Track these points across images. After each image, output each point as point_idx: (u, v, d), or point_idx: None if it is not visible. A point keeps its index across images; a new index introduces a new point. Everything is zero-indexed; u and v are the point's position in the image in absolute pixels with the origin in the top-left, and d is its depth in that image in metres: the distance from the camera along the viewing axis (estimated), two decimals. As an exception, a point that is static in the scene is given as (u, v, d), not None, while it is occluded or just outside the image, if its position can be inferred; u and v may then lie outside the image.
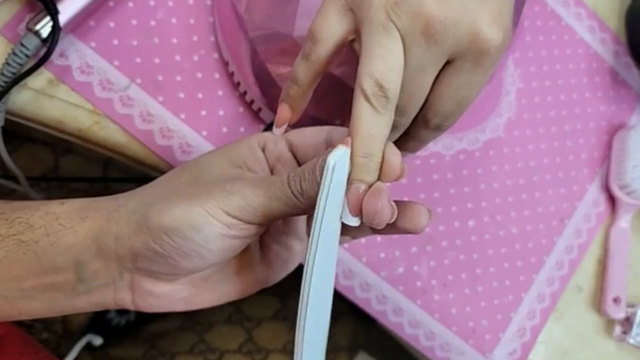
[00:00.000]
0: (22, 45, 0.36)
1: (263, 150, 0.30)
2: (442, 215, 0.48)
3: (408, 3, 0.25)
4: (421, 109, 0.28)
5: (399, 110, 0.26)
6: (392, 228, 0.26)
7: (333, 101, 0.36)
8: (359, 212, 0.24)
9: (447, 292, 0.48)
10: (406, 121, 0.28)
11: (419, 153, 0.47)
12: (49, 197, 0.47)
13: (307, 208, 0.26)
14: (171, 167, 0.42)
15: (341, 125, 0.36)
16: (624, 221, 0.54)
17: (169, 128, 0.41)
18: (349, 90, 0.26)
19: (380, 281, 0.46)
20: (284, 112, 0.30)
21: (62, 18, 0.36)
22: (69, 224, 0.27)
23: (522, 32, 0.51)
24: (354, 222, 0.25)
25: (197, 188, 0.26)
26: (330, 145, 0.28)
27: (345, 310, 0.58)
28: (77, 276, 0.27)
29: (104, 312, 0.57)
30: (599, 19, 0.55)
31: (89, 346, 0.49)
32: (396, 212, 0.25)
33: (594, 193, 0.53)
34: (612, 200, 0.54)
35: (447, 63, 0.27)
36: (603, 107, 0.54)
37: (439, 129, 0.29)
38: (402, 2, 0.25)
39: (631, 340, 0.52)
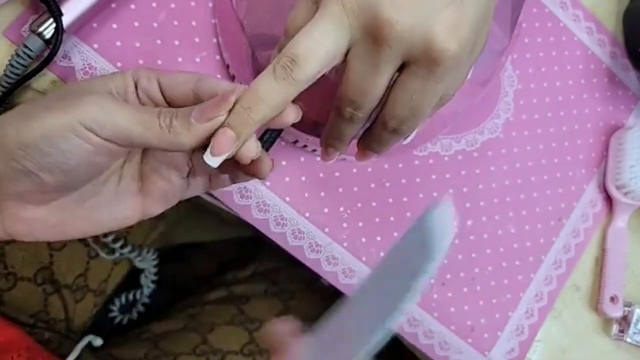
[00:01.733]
0: (26, 47, 0.36)
1: (136, 86, 0.30)
2: (441, 215, 0.48)
3: (365, 3, 0.25)
4: (382, 110, 0.29)
5: (355, 105, 0.28)
6: (244, 173, 0.31)
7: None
8: (217, 154, 0.26)
9: (446, 291, 0.48)
10: (363, 115, 0.29)
11: (418, 154, 0.47)
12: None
13: (171, 147, 0.27)
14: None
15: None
16: (621, 221, 0.54)
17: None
18: None
19: (379, 280, 0.46)
20: None
21: (66, 20, 0.36)
22: None
23: (520, 33, 0.52)
24: (214, 162, 0.27)
25: (60, 103, 0.26)
26: (197, 96, 0.29)
27: None
28: None
29: (107, 311, 0.57)
30: (597, 21, 0.55)
31: (91, 346, 0.49)
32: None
33: (591, 193, 0.54)
34: (609, 200, 0.54)
35: (405, 66, 0.27)
36: (601, 108, 0.55)
37: (397, 133, 0.29)
38: (360, 1, 0.25)
39: (629, 340, 0.53)
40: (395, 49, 0.26)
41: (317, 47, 0.26)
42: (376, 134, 0.30)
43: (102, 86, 0.29)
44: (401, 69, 0.27)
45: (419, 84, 0.27)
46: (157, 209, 0.32)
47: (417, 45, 0.25)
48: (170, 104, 0.30)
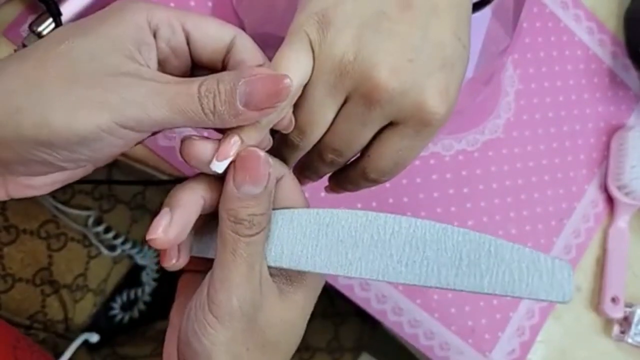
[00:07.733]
0: (25, 46, 0.36)
1: (154, 35, 0.25)
2: (441, 215, 0.48)
3: (361, 65, 0.25)
4: (361, 158, 0.29)
5: (337, 153, 0.28)
6: None
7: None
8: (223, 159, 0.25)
9: (447, 292, 0.48)
10: (342, 161, 0.29)
11: (419, 153, 0.47)
12: (54, 197, 0.47)
13: (214, 125, 0.24)
14: (172, 168, 0.42)
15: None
16: (622, 221, 0.54)
17: (171, 130, 0.41)
18: None
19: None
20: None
21: (65, 19, 0.36)
22: None
23: (521, 33, 0.52)
24: (220, 167, 0.25)
25: (79, 90, 0.22)
26: (231, 55, 0.27)
27: (350, 311, 0.58)
28: None
29: (108, 309, 0.57)
30: (598, 21, 0.55)
31: (89, 345, 0.49)
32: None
33: (592, 193, 0.54)
34: (610, 200, 0.54)
35: (391, 124, 0.27)
36: (601, 108, 0.55)
37: (375, 182, 0.30)
38: (356, 63, 0.25)
39: (629, 340, 0.52)
40: (387, 110, 0.26)
41: (318, 119, 0.27)
42: (353, 178, 0.31)
43: (111, 50, 0.24)
44: (388, 124, 0.28)
45: (406, 142, 0.27)
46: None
47: (407, 107, 0.26)
48: (193, 55, 0.27)
